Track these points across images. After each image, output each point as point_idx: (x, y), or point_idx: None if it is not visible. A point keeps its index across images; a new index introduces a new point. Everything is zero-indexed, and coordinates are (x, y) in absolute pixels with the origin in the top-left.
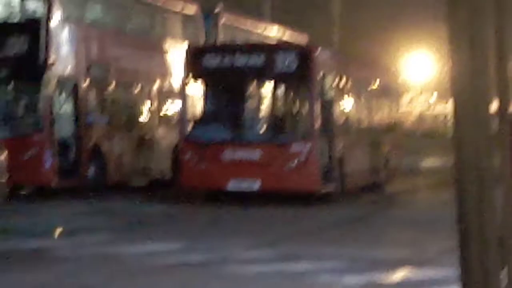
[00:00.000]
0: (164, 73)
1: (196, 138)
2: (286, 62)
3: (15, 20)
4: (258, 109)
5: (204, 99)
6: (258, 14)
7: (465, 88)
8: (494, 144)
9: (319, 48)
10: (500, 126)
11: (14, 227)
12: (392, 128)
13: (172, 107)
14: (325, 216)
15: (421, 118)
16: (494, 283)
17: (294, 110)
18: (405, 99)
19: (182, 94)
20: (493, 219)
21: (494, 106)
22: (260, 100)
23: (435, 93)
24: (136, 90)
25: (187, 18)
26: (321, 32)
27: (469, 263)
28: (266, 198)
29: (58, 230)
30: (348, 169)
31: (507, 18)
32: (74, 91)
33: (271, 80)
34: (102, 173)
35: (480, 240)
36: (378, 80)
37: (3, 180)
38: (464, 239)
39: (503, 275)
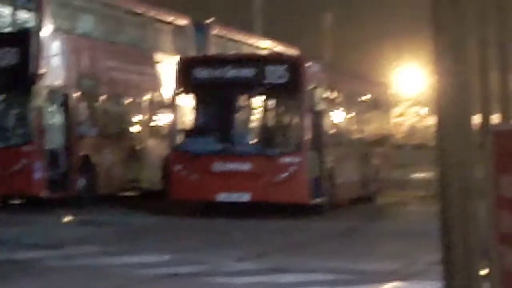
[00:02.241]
0: (154, 84)
1: (186, 149)
2: (277, 73)
3: (6, 31)
4: (248, 120)
5: (194, 110)
6: (249, 29)
7: (449, 102)
8: (477, 156)
9: (309, 60)
10: (483, 139)
11: (3, 238)
12: (382, 140)
13: (162, 118)
14: (314, 228)
15: (411, 130)
16: None
17: (285, 122)
18: (395, 111)
19: (172, 105)
20: (477, 231)
21: (477, 119)
22: (250, 111)
23: (426, 106)
24: (127, 102)
25: (178, 30)
26: (312, 46)
27: (453, 274)
28: (256, 209)
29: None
30: (338, 181)
31: (491, 34)
32: (65, 102)
33: (262, 91)
34: (92, 184)
35: (463, 252)
36: (368, 93)
37: None
38: (447, 251)
39: (487, 285)
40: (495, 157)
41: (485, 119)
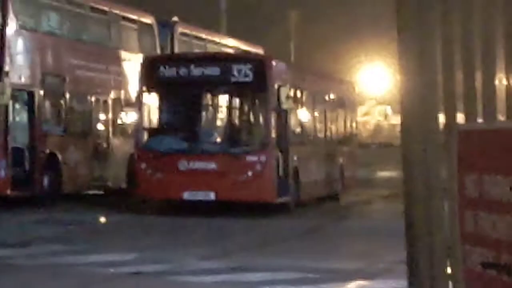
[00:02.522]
0: (120, 83)
1: (152, 148)
2: (242, 72)
3: None
4: (214, 119)
5: (160, 109)
6: (214, 28)
7: (414, 101)
8: (442, 156)
9: (275, 59)
10: (448, 138)
11: None
12: (347, 139)
13: (128, 117)
14: (280, 227)
15: (377, 129)
16: None
17: (250, 121)
18: (360, 110)
19: (138, 104)
20: (441, 229)
21: (441, 118)
22: (216, 110)
23: (391, 105)
24: (92, 100)
25: (143, 28)
26: (277, 45)
27: (417, 273)
28: (222, 208)
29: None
30: (303, 180)
31: (455, 32)
32: (29, 100)
33: (227, 90)
34: (57, 183)
35: (427, 251)
36: (333, 92)
37: None
38: (412, 250)
39: (451, 284)
40: (460, 156)
41: (450, 118)
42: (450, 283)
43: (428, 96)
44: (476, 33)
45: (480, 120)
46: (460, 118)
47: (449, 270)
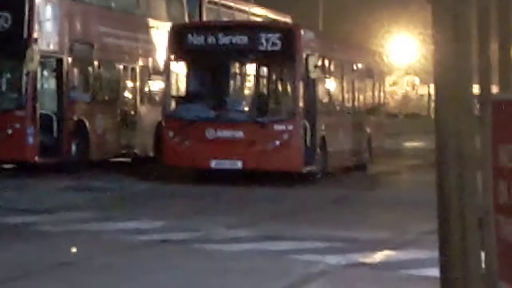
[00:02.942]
0: (148, 51)
1: (179, 116)
2: (270, 41)
3: None
4: (241, 88)
5: (187, 77)
6: None
7: (448, 70)
8: (476, 126)
9: (303, 28)
10: (482, 108)
11: None
12: (375, 109)
13: (155, 85)
14: (307, 196)
15: (404, 99)
16: (474, 264)
17: (278, 90)
18: (388, 80)
19: (165, 72)
20: (474, 200)
21: (476, 88)
22: (243, 79)
23: (419, 75)
24: (120, 68)
25: None
26: (305, 14)
27: (448, 244)
28: (249, 177)
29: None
30: (331, 150)
31: (491, 0)
32: (58, 68)
33: (255, 59)
34: (85, 150)
35: (459, 221)
36: (362, 62)
37: None
38: (443, 220)
39: (482, 256)
40: (494, 126)
41: (485, 87)
42: (482, 254)
43: (463, 65)
44: None
45: None
46: (495, 87)
47: (481, 241)
